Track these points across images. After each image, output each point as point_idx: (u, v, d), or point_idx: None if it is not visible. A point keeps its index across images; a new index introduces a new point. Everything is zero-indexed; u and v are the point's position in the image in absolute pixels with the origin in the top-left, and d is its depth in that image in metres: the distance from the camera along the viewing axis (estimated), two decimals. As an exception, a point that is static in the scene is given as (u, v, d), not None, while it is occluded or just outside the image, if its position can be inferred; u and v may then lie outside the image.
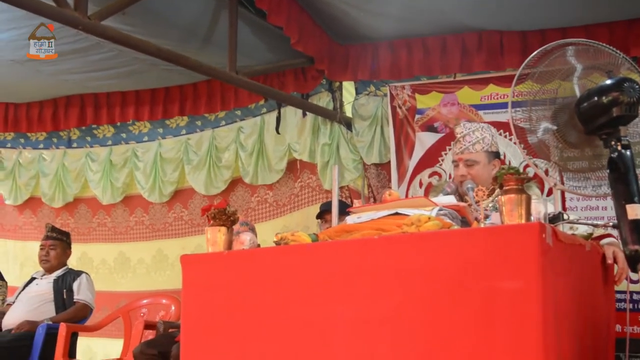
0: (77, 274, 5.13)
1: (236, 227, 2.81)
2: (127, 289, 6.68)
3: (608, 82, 2.18)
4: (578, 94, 2.31)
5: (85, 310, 5.00)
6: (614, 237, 2.66)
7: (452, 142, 3.30)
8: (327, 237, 2.51)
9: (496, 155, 3.18)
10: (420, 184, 5.00)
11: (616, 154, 2.14)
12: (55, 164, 7.09)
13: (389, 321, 2.11)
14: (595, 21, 4.48)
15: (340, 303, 2.22)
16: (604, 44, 2.40)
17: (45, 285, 5.03)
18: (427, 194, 3.71)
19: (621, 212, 2.07)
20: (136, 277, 6.73)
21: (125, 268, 6.80)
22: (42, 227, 5.78)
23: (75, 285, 5.01)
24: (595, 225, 2.63)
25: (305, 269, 2.34)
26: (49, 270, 5.14)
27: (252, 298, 2.42)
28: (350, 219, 2.59)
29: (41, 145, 7.21)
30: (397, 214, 2.46)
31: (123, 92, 6.23)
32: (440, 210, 2.42)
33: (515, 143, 4.40)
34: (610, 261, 2.58)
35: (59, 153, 7.10)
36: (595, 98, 2.16)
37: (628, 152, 2.14)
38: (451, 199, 2.73)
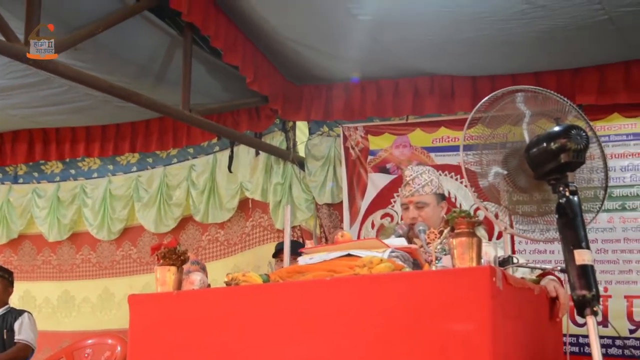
0: (19, 313, 5.00)
1: (187, 267, 2.75)
2: (71, 329, 6.50)
3: (556, 128, 2.23)
4: (527, 139, 2.36)
5: (27, 351, 4.87)
6: (553, 274, 2.70)
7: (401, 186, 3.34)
8: (279, 278, 2.48)
9: (443, 197, 3.29)
10: (372, 225, 5.02)
11: (564, 199, 2.18)
12: (-1, 199, 6.92)
13: (341, 364, 2.09)
14: (543, 69, 4.62)
15: (292, 345, 2.19)
16: (552, 92, 2.46)
17: (-16, 325, 4.88)
18: (378, 235, 3.72)
19: (569, 257, 2.10)
20: (81, 316, 6.57)
21: (70, 307, 6.63)
22: (-17, 265, 5.61)
23: (16, 325, 4.88)
24: (544, 269, 2.66)
25: (256, 310, 2.30)
26: (-11, 309, 4.98)
27: (201, 339, 2.38)
28: (302, 260, 2.57)
29: (-16, 180, 7.04)
30: (349, 255, 2.45)
31: (73, 127, 6.11)
32: (392, 252, 2.42)
33: (466, 186, 4.46)
34: (553, 294, 2.61)
35: (4, 188, 6.94)
36: (544, 144, 2.20)
37: (575, 198, 2.18)
38: (402, 242, 2.74)
